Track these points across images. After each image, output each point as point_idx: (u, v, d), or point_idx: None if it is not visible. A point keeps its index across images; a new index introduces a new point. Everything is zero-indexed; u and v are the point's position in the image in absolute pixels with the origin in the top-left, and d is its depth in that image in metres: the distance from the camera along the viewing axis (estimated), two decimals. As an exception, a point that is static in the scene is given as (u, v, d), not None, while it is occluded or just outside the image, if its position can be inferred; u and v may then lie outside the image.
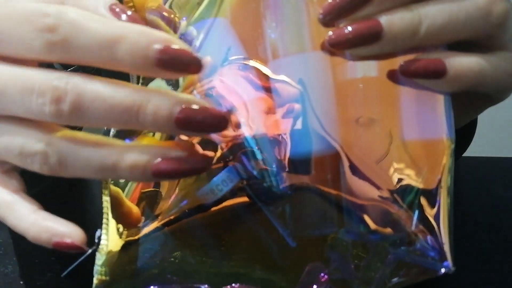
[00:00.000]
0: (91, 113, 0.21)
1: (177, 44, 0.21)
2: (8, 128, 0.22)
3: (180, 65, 0.21)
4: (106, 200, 0.25)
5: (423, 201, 0.24)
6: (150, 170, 0.21)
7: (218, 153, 0.24)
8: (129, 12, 0.23)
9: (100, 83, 0.21)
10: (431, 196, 0.24)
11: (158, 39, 0.20)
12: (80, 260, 0.27)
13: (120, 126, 0.23)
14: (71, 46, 0.21)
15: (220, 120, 0.21)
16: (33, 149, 0.22)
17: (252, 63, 0.25)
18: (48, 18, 0.21)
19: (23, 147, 0.22)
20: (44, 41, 0.21)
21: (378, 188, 0.24)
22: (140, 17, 0.24)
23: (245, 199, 0.25)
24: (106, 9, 0.23)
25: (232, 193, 0.24)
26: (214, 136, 0.24)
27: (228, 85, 0.25)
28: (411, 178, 0.24)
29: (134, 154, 0.21)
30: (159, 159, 0.21)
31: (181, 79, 0.25)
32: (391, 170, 0.24)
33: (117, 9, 0.23)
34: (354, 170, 0.24)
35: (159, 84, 0.26)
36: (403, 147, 0.24)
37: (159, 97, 0.21)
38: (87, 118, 0.21)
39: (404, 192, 0.24)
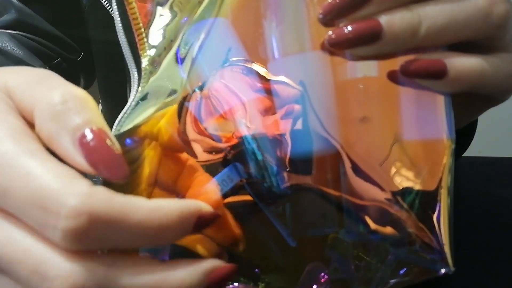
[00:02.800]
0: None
1: (204, 210, 0.21)
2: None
3: (206, 225, 0.21)
4: None
5: (423, 201, 0.24)
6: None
7: (220, 155, 0.25)
8: (103, 148, 0.20)
9: (128, 276, 0.19)
10: (432, 196, 0.24)
11: (193, 214, 0.20)
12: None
13: None
14: (101, 245, 0.19)
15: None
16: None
17: (252, 64, 0.25)
18: (75, 220, 0.18)
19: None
20: (69, 241, 0.18)
21: (380, 188, 0.24)
22: (111, 151, 0.20)
23: (246, 197, 0.25)
24: (75, 143, 0.20)
25: (233, 192, 0.24)
26: (215, 136, 0.24)
27: (229, 86, 0.25)
28: (410, 179, 0.24)
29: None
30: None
31: (182, 80, 0.25)
32: (392, 170, 0.24)
33: (91, 143, 0.20)
34: (356, 170, 0.24)
35: (160, 83, 0.26)
36: (403, 147, 0.24)
37: (186, 276, 0.20)
38: None
39: (404, 192, 0.24)
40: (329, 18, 0.24)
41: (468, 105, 0.29)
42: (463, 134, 0.40)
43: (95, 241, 0.19)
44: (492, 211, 0.43)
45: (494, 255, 0.36)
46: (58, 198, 0.18)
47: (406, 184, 0.24)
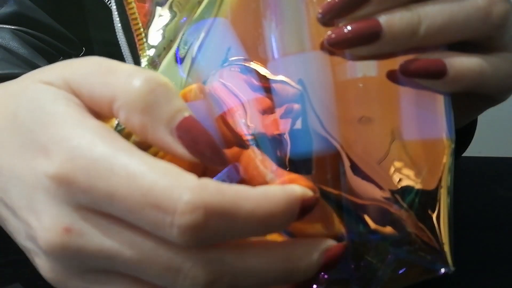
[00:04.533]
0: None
1: (308, 194, 0.20)
2: (123, 282, 0.20)
3: (310, 209, 0.21)
4: None
5: (423, 200, 0.24)
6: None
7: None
8: (203, 135, 0.19)
9: (254, 258, 0.19)
10: (431, 196, 0.24)
11: (299, 198, 0.20)
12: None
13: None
14: (218, 238, 0.19)
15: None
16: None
17: (251, 64, 0.25)
18: (192, 216, 0.17)
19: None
20: (186, 238, 0.18)
21: (380, 188, 0.24)
22: (211, 137, 0.20)
23: None
24: (173, 133, 0.19)
25: None
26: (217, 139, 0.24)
27: (228, 86, 0.25)
28: (410, 178, 0.24)
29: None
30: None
31: (182, 80, 0.25)
32: (392, 170, 0.24)
33: (189, 131, 0.19)
34: (355, 170, 0.24)
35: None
36: (403, 147, 0.24)
37: (305, 254, 0.20)
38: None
39: (404, 192, 0.24)
40: (329, 18, 0.24)
41: (467, 104, 0.29)
42: (463, 133, 0.40)
43: (211, 235, 0.18)
44: (492, 211, 0.43)
45: (494, 255, 0.36)
46: (171, 195, 0.18)
47: (406, 183, 0.24)
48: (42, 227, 0.19)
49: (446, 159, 0.24)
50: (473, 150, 0.44)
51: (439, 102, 0.25)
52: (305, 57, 0.25)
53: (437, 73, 0.24)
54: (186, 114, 0.20)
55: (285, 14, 0.25)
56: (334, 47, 0.24)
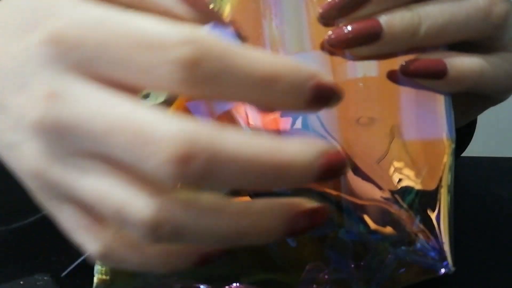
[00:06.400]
0: (222, 178, 0.17)
1: (324, 78, 0.18)
2: (104, 171, 0.18)
3: (326, 100, 0.19)
4: None
5: (423, 200, 0.24)
6: (284, 230, 0.19)
7: None
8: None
9: (238, 137, 0.17)
10: (432, 195, 0.24)
11: (312, 75, 0.18)
12: (80, 260, 0.27)
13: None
14: (216, 85, 0.17)
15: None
16: (136, 216, 0.17)
17: None
18: (185, 48, 0.16)
19: (122, 207, 0.17)
20: (181, 77, 0.16)
21: (379, 188, 0.24)
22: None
23: (245, 198, 0.25)
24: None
25: (233, 193, 0.24)
26: None
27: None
28: (411, 178, 0.24)
29: (265, 217, 0.18)
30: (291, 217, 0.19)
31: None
32: (392, 170, 0.24)
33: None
34: (355, 170, 0.24)
35: None
36: (403, 147, 0.24)
37: (300, 151, 0.18)
38: (215, 184, 0.17)
39: (404, 192, 0.24)
40: (329, 18, 0.24)
41: (467, 104, 0.29)
42: (463, 133, 0.40)
43: (205, 76, 0.17)
44: (491, 211, 0.43)
45: (494, 255, 0.36)
46: (163, 40, 0.17)
47: (406, 183, 0.24)
48: (29, 98, 0.18)
49: (446, 159, 0.24)
50: (473, 150, 0.44)
51: (439, 102, 0.25)
52: (305, 57, 0.25)
53: (438, 73, 0.24)
54: None
55: (285, 14, 0.25)
56: (334, 47, 0.24)
